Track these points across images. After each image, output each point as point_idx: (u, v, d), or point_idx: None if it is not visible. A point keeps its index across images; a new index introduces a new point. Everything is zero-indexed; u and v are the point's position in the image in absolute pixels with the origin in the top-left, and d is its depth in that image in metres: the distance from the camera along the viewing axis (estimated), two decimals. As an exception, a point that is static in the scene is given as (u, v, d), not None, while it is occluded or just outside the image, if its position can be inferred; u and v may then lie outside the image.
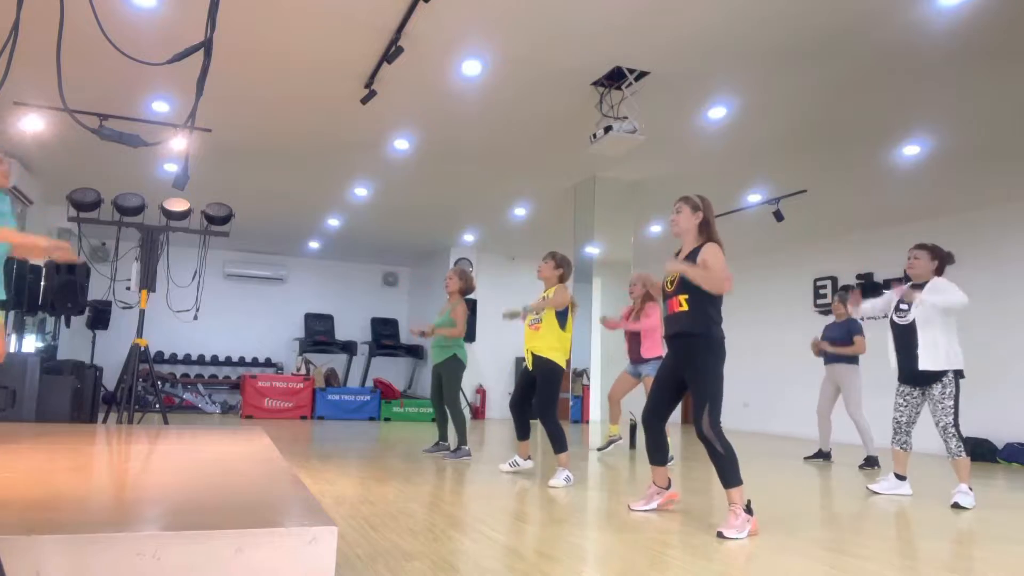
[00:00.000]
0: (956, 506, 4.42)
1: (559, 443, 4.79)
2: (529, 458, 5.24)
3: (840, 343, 6.78)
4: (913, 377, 4.68)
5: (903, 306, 4.78)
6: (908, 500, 4.69)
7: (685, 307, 3.53)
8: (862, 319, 6.84)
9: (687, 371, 3.54)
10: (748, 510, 3.34)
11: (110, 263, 8.00)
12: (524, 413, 5.08)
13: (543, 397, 4.84)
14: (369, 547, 2.82)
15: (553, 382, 4.86)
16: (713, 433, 3.41)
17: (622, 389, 6.59)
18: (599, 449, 6.85)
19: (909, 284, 4.76)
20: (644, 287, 6.38)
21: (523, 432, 5.15)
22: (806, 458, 7.15)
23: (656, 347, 6.32)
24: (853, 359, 6.74)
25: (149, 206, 6.74)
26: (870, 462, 6.51)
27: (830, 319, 10.25)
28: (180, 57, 2.77)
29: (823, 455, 7.01)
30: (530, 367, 4.91)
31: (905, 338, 4.70)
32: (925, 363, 4.58)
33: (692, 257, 3.58)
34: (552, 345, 4.88)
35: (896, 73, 5.14)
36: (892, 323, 4.83)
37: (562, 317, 4.92)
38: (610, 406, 6.75)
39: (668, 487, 3.87)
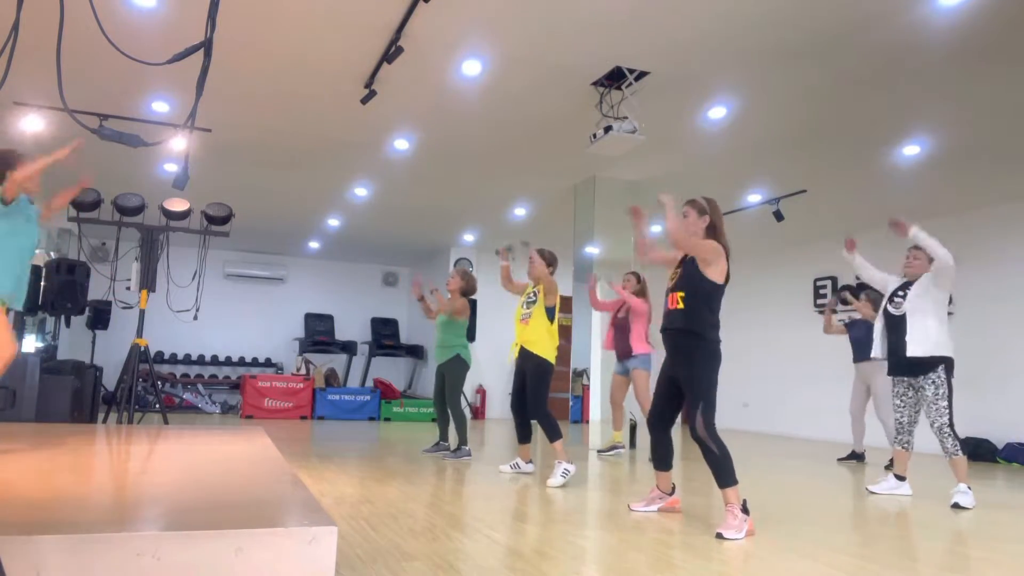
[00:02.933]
0: (956, 506, 4.42)
1: (553, 432, 4.82)
2: (530, 462, 5.24)
3: (863, 342, 6.67)
4: (903, 367, 4.72)
5: (897, 298, 4.83)
6: (908, 500, 4.69)
7: (681, 305, 3.56)
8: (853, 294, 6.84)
9: (681, 371, 3.56)
10: (744, 509, 3.34)
11: (110, 263, 8.00)
12: (525, 414, 5.09)
13: (534, 392, 4.87)
14: (369, 547, 2.82)
15: (543, 378, 4.90)
16: (707, 434, 3.43)
17: (617, 390, 6.59)
18: (600, 451, 6.85)
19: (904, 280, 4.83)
20: (635, 283, 6.51)
21: (524, 435, 5.15)
22: (839, 460, 7.04)
23: (643, 343, 6.35)
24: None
25: (149, 206, 6.73)
26: (858, 456, 6.48)
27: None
28: (180, 57, 2.77)
29: (856, 456, 6.94)
30: (513, 359, 4.97)
31: (897, 327, 4.76)
32: (914, 350, 4.61)
33: (695, 261, 3.60)
34: (542, 339, 4.91)
35: (896, 73, 5.14)
36: (886, 312, 4.89)
37: (551, 311, 5.00)
38: (613, 412, 6.75)
39: (671, 492, 3.87)
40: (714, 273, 3.56)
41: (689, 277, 3.56)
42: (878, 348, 4.94)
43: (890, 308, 4.86)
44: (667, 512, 3.86)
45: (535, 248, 5.16)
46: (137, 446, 3.90)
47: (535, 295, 5.02)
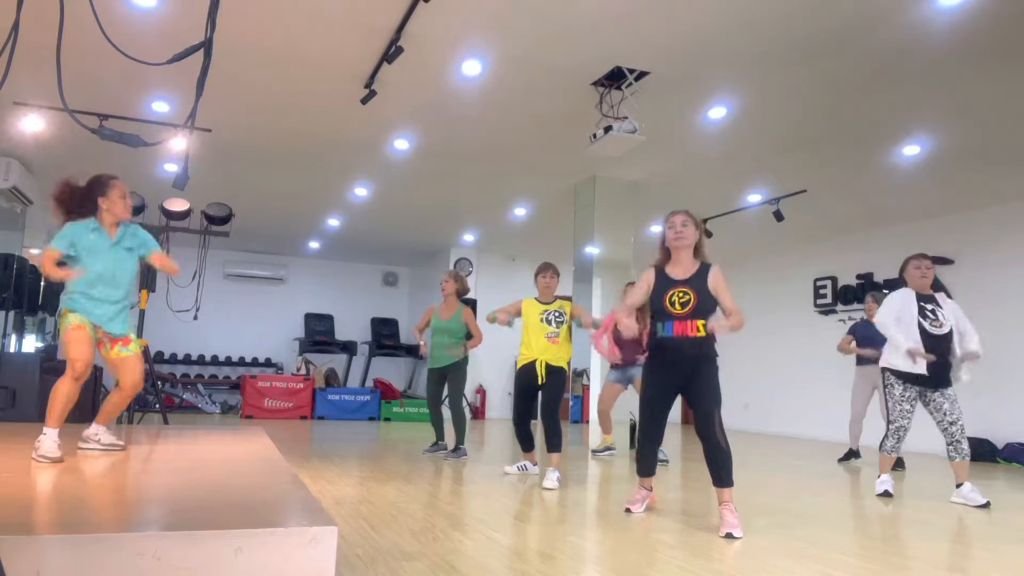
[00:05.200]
0: (988, 505, 4.43)
1: (559, 442, 4.85)
2: (536, 464, 5.27)
3: (875, 344, 6.60)
4: (941, 381, 4.61)
5: (930, 315, 4.63)
6: (906, 500, 4.69)
7: (702, 332, 3.61)
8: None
9: (697, 384, 3.61)
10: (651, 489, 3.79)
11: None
12: (528, 425, 5.11)
13: (557, 398, 4.93)
14: (369, 547, 2.82)
15: (565, 384, 5.04)
16: (722, 433, 3.54)
17: (611, 399, 6.56)
18: (593, 451, 6.86)
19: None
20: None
21: (528, 445, 5.18)
22: (840, 460, 7.03)
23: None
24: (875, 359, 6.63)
25: (149, 206, 6.74)
26: (898, 463, 6.44)
27: (830, 320, 10.28)
28: (180, 57, 2.77)
29: (854, 454, 6.94)
30: (541, 378, 4.93)
31: (941, 347, 4.58)
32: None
33: (701, 280, 3.66)
34: (568, 355, 5.04)
35: (896, 73, 5.14)
36: (923, 331, 4.62)
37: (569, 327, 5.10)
38: (601, 419, 6.73)
39: (651, 488, 3.95)
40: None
41: (705, 304, 3.62)
42: (904, 362, 4.63)
43: (927, 326, 4.60)
44: (650, 509, 3.92)
45: (548, 265, 5.17)
46: (137, 446, 3.90)
47: (562, 314, 5.03)
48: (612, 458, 6.53)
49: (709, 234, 9.12)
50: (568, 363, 5.05)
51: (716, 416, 3.54)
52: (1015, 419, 7.73)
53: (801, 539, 3.31)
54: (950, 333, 4.60)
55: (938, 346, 4.58)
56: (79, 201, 3.64)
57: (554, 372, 4.94)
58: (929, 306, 4.67)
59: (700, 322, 3.60)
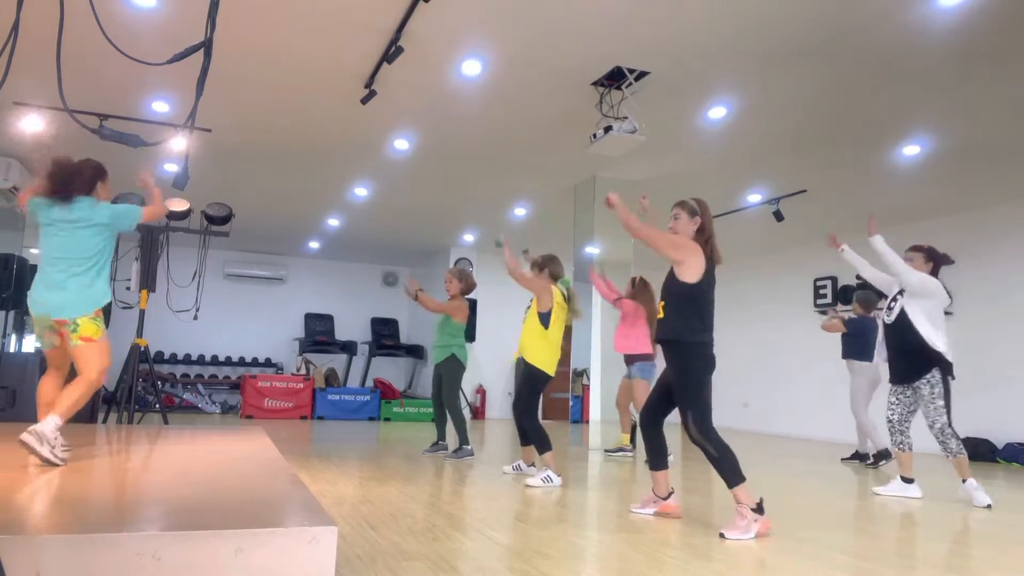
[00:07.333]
0: (990, 507, 4.43)
1: (542, 443, 4.79)
2: (532, 464, 5.24)
3: (866, 340, 6.64)
4: (900, 375, 4.73)
5: (894, 303, 4.80)
6: (907, 500, 4.68)
7: (662, 315, 3.60)
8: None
9: (671, 378, 3.59)
10: (759, 509, 3.28)
11: (110, 263, 7.97)
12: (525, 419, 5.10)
13: (521, 396, 4.89)
14: (369, 547, 2.82)
15: (531, 383, 4.85)
16: (702, 437, 3.44)
17: (624, 396, 6.59)
18: (607, 450, 6.85)
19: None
20: (630, 286, 6.62)
21: (525, 438, 5.16)
22: (843, 459, 7.06)
23: (640, 345, 6.36)
24: (866, 356, 6.67)
25: (149, 206, 6.72)
26: (884, 453, 6.49)
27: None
28: (180, 57, 2.77)
29: (860, 456, 6.97)
30: (513, 362, 4.96)
31: (893, 336, 4.75)
32: (912, 357, 4.63)
33: (672, 268, 3.65)
34: (536, 346, 4.84)
35: (896, 73, 5.14)
36: (883, 323, 4.91)
37: (544, 317, 4.89)
38: (620, 414, 6.76)
39: (667, 497, 3.74)
40: (686, 273, 3.52)
41: (668, 285, 3.60)
42: (878, 353, 4.98)
43: (885, 317, 4.86)
44: (663, 517, 3.71)
45: (533, 264, 5.12)
46: (137, 446, 3.90)
47: (531, 300, 5.02)
48: (620, 461, 6.50)
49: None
50: (537, 358, 4.79)
51: (688, 418, 3.45)
52: (1015, 419, 7.73)
53: (801, 539, 3.31)
54: (897, 320, 4.69)
55: (890, 335, 4.78)
56: (86, 181, 3.45)
57: (521, 365, 4.91)
58: (897, 296, 4.81)
59: (662, 303, 3.62)
